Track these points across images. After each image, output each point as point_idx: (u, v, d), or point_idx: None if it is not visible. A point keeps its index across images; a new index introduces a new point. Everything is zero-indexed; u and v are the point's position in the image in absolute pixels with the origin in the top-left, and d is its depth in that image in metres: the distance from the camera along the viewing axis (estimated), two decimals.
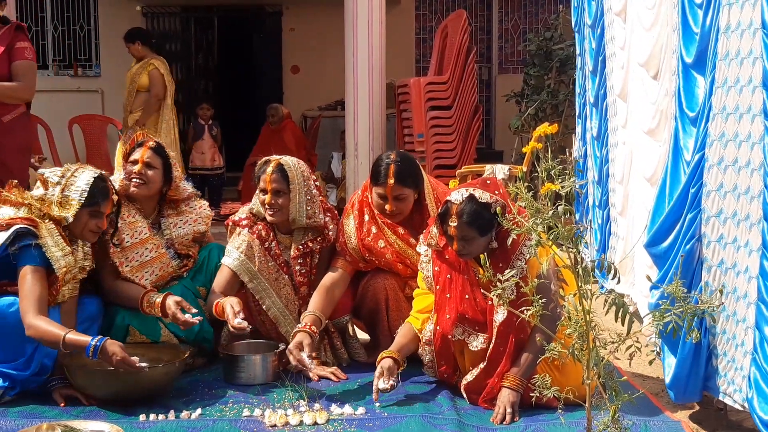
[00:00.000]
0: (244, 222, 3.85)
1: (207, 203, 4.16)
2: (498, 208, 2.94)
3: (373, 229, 3.79)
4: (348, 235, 3.82)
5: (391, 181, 3.65)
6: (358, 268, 3.86)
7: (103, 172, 3.54)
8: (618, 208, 4.35)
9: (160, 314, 3.56)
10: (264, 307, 3.78)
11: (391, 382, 3.31)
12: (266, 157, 3.88)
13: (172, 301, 3.52)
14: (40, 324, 3.16)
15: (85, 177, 3.44)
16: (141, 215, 3.81)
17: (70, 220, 3.38)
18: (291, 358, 3.42)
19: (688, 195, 3.08)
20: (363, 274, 3.90)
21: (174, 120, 8.03)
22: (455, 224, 3.24)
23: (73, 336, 3.16)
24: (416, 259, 3.71)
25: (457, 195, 3.27)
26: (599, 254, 4.73)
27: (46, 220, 3.34)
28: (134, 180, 3.76)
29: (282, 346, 3.70)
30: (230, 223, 3.90)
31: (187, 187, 4.01)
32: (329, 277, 3.79)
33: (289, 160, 3.82)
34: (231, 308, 3.49)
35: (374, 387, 3.32)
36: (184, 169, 7.77)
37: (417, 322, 3.56)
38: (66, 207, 3.39)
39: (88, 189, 3.41)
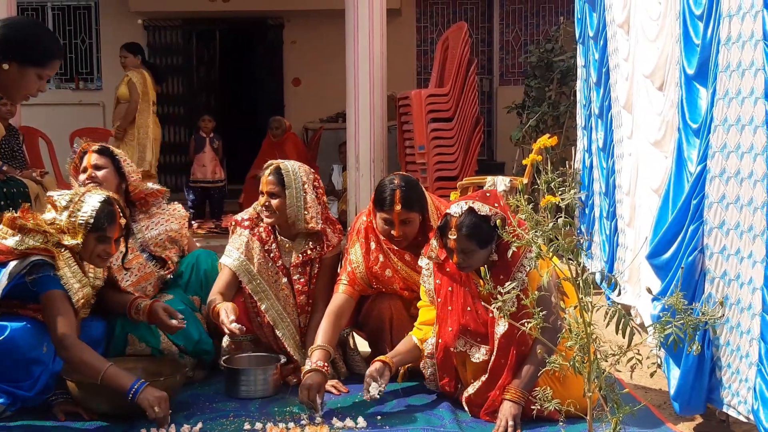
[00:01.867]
0: (246, 223, 3.91)
1: (181, 206, 4.18)
2: (498, 221, 2.93)
3: (381, 258, 3.75)
4: (356, 264, 3.77)
5: (398, 207, 3.60)
6: (364, 293, 3.82)
7: (111, 194, 3.51)
8: (625, 220, 4.34)
9: (147, 320, 3.56)
10: (262, 308, 3.78)
11: (376, 390, 3.30)
12: (271, 161, 3.94)
13: (159, 306, 3.54)
14: (83, 349, 3.18)
15: (92, 201, 3.39)
16: None
17: (80, 246, 3.35)
18: (303, 395, 3.34)
19: (690, 206, 3.07)
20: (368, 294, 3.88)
21: (152, 128, 8.28)
22: (455, 237, 3.24)
23: (114, 372, 3.16)
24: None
25: (457, 208, 3.27)
26: (607, 265, 4.72)
27: (63, 249, 3.30)
28: (87, 184, 3.80)
29: (283, 359, 3.71)
30: (233, 222, 3.96)
31: (152, 186, 4.04)
32: (336, 305, 3.71)
33: (289, 164, 3.88)
34: (225, 313, 3.53)
35: (364, 389, 3.34)
36: (162, 179, 8.11)
37: (419, 332, 3.55)
38: (73, 233, 3.35)
39: (94, 214, 3.35)
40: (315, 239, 3.88)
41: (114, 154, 3.95)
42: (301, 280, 3.86)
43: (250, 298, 3.81)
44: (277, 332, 3.78)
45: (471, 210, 3.24)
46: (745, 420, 2.84)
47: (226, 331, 3.55)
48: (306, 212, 3.81)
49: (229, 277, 3.81)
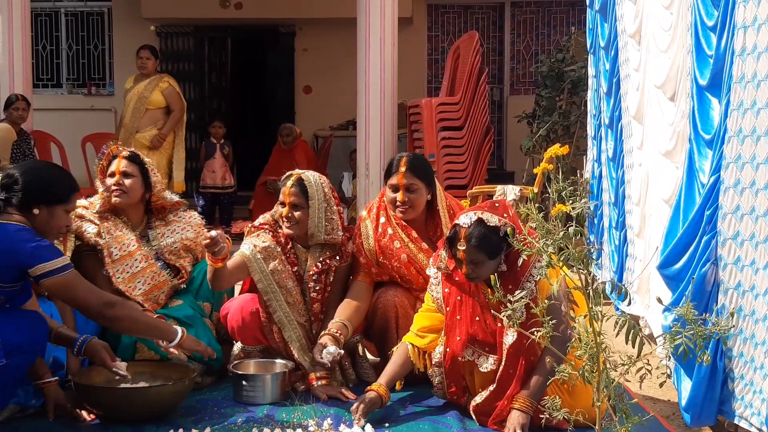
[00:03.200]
0: (266, 226, 3.89)
1: (196, 213, 4.19)
2: (509, 229, 2.93)
3: (389, 230, 3.85)
4: (365, 236, 3.88)
5: (403, 169, 3.76)
6: (371, 275, 3.88)
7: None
8: (635, 230, 4.33)
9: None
10: (270, 309, 3.77)
11: (359, 419, 3.27)
12: (290, 172, 3.91)
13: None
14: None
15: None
16: (128, 228, 3.86)
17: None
18: (316, 349, 3.55)
19: (703, 217, 3.06)
20: (374, 292, 3.91)
21: (183, 138, 8.21)
22: (464, 248, 3.23)
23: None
24: (425, 264, 3.75)
25: (466, 219, 3.27)
26: (616, 275, 4.71)
27: None
28: (114, 190, 3.80)
29: (291, 365, 3.71)
30: (250, 226, 3.93)
31: (173, 197, 4.03)
32: (352, 291, 3.85)
33: (310, 176, 3.86)
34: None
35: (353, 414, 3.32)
36: (175, 184, 7.88)
37: (417, 339, 3.54)
38: None
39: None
40: (333, 248, 3.87)
41: (143, 162, 3.92)
42: (317, 287, 3.83)
43: (263, 303, 3.79)
44: (284, 334, 3.77)
45: (480, 221, 3.24)
46: (757, 431, 2.82)
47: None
48: (327, 224, 3.80)
49: (239, 260, 3.75)
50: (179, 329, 3.36)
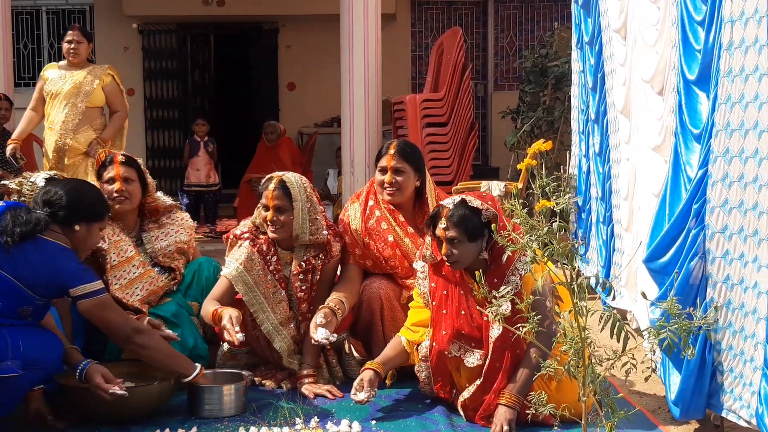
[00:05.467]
0: (246, 234, 3.84)
1: (188, 215, 4.17)
2: (492, 218, 2.94)
3: (377, 212, 3.92)
4: (353, 217, 3.94)
5: (392, 151, 3.86)
6: (356, 256, 3.91)
7: (56, 173, 3.58)
8: (624, 225, 4.34)
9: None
10: (257, 320, 3.74)
11: (366, 394, 3.31)
12: (270, 174, 3.89)
13: (146, 322, 3.54)
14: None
15: (38, 181, 3.55)
16: (124, 233, 3.83)
17: None
18: (311, 334, 3.56)
19: (691, 211, 3.07)
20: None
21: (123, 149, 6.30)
22: (444, 226, 3.28)
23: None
24: (411, 248, 3.77)
25: (449, 200, 3.36)
26: (604, 270, 4.73)
27: None
28: (117, 198, 3.78)
29: (249, 375, 3.62)
30: (231, 236, 3.89)
31: (166, 199, 4.01)
32: (344, 275, 3.92)
33: (291, 177, 3.83)
34: (230, 318, 3.49)
35: (351, 396, 3.36)
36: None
37: (409, 333, 3.56)
38: None
39: (41, 192, 3.37)
40: (317, 248, 3.85)
41: (139, 165, 3.91)
42: (303, 287, 3.82)
43: (248, 314, 3.75)
44: (274, 345, 3.75)
45: (462, 201, 3.30)
46: (745, 425, 2.84)
47: (227, 337, 3.50)
48: (311, 224, 3.79)
49: (225, 286, 3.76)
50: (198, 365, 3.39)
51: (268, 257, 3.81)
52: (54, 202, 3.20)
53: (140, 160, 3.97)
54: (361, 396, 3.32)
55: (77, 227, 3.22)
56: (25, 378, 3.05)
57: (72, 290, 3.15)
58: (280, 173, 3.87)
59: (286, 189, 3.76)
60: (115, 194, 3.77)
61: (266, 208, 3.78)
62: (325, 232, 3.83)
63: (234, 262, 3.76)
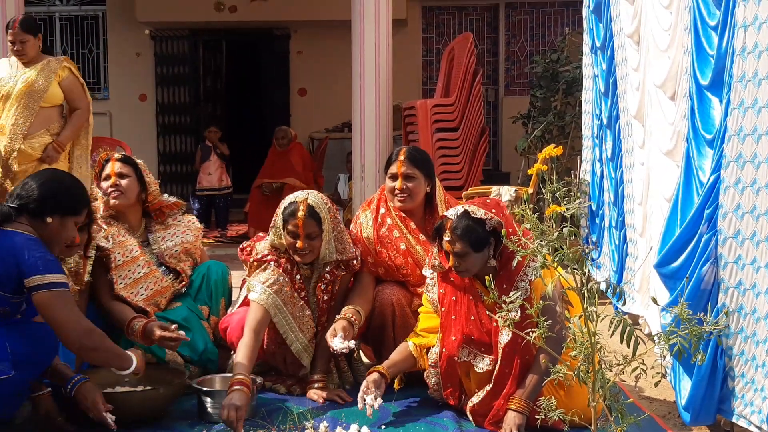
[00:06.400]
0: (269, 257, 3.74)
1: (195, 218, 4.19)
2: (496, 225, 2.93)
3: (388, 221, 3.90)
4: (364, 225, 3.92)
5: (402, 158, 3.85)
6: (368, 264, 3.88)
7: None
8: (638, 230, 4.33)
9: (141, 341, 3.52)
10: (287, 341, 3.69)
11: (374, 399, 3.30)
12: (293, 197, 3.73)
13: (155, 325, 3.52)
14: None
15: None
16: (130, 233, 3.86)
17: None
18: (329, 343, 3.52)
19: (703, 216, 3.07)
20: None
21: (88, 149, 5.81)
22: (448, 239, 3.28)
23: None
24: (423, 256, 3.77)
25: (452, 211, 3.34)
26: (617, 275, 4.72)
27: None
28: (112, 193, 3.81)
29: (260, 380, 3.63)
30: (253, 261, 3.78)
31: (170, 198, 4.03)
32: (358, 282, 3.88)
33: (316, 200, 3.69)
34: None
35: (358, 401, 3.35)
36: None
37: (418, 338, 3.56)
38: None
39: None
40: (339, 263, 3.80)
41: (136, 162, 3.96)
42: (325, 298, 3.80)
43: (275, 333, 3.72)
44: (303, 362, 3.75)
45: (465, 212, 3.29)
46: (756, 430, 2.82)
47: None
48: (338, 242, 3.73)
49: (260, 313, 3.61)
50: (134, 358, 3.24)
51: (291, 277, 3.74)
52: (26, 195, 3.14)
53: (141, 162, 3.99)
54: (368, 399, 3.32)
55: (49, 219, 3.12)
56: (19, 377, 3.02)
57: (26, 280, 2.99)
58: (303, 195, 3.71)
59: (315, 215, 3.65)
60: (109, 189, 3.82)
61: (295, 235, 3.66)
62: (352, 248, 3.79)
63: (261, 285, 3.66)
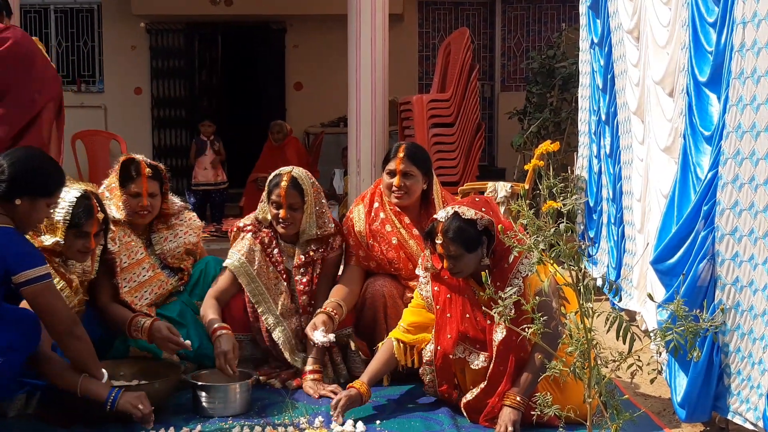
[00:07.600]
0: (249, 227, 3.90)
1: (195, 214, 4.16)
2: (488, 224, 2.93)
3: (381, 215, 3.91)
4: (357, 219, 3.94)
5: (401, 154, 3.83)
6: (360, 259, 3.90)
7: (88, 188, 3.46)
8: (637, 226, 4.33)
9: (146, 337, 3.52)
10: (259, 311, 3.78)
11: (338, 416, 3.26)
12: (278, 170, 3.87)
13: (163, 325, 3.51)
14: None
15: (68, 198, 3.35)
16: (135, 234, 3.83)
17: (62, 242, 3.33)
18: (310, 336, 3.58)
19: (700, 212, 3.06)
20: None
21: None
22: (440, 242, 3.27)
23: (89, 382, 3.16)
24: (416, 251, 3.77)
25: (443, 213, 3.33)
26: (615, 272, 4.72)
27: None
28: (141, 213, 3.77)
29: (255, 375, 3.63)
30: (235, 229, 3.95)
31: (176, 201, 4.01)
32: (345, 276, 3.91)
33: (301, 173, 3.84)
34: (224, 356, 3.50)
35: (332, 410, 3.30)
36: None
37: (404, 335, 3.53)
38: (52, 231, 3.34)
39: (71, 210, 3.34)
40: (319, 241, 3.88)
41: (162, 175, 3.85)
42: (303, 280, 3.86)
43: (251, 306, 3.81)
44: (273, 336, 3.76)
45: (456, 214, 3.28)
46: (751, 427, 2.83)
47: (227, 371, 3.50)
48: (319, 218, 3.83)
49: (228, 278, 3.82)
50: (105, 376, 3.21)
51: (269, 249, 3.86)
52: None
53: (162, 166, 3.89)
54: (334, 416, 3.27)
55: (18, 201, 3.03)
56: (6, 364, 3.00)
57: (15, 276, 2.97)
58: (288, 168, 3.87)
59: (298, 186, 3.79)
60: (139, 209, 3.76)
61: (278, 205, 3.78)
62: (331, 225, 3.88)
63: (236, 253, 3.82)
